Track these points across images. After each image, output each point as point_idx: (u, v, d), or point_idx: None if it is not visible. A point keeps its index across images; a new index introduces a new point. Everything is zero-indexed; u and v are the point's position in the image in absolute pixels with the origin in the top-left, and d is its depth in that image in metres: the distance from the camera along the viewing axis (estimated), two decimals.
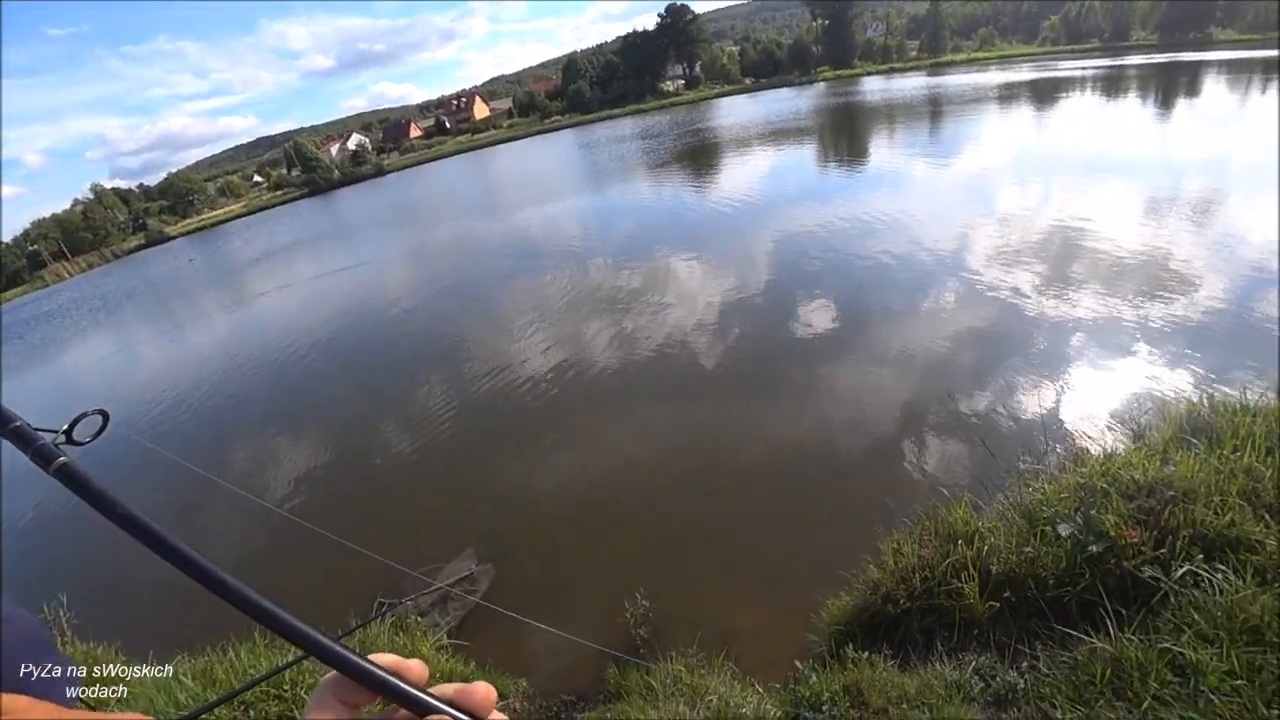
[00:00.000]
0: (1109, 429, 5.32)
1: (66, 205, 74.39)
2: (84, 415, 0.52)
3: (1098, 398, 6.16)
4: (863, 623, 3.31)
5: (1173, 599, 2.66)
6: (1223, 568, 2.70)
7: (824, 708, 2.72)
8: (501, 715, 0.44)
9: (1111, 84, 37.61)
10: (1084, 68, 50.13)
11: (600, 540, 5.39)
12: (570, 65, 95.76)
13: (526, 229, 20.78)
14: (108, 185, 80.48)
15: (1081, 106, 30.01)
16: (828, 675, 2.93)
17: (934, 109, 35.17)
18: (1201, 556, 2.78)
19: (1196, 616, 2.53)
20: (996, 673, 2.70)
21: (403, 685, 0.41)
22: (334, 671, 0.42)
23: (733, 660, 3.40)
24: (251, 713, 2.66)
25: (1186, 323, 7.40)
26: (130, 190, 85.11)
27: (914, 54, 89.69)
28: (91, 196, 74.71)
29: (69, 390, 15.33)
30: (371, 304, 15.52)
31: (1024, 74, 50.96)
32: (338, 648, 0.42)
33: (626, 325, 10.38)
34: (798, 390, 7.43)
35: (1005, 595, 3.03)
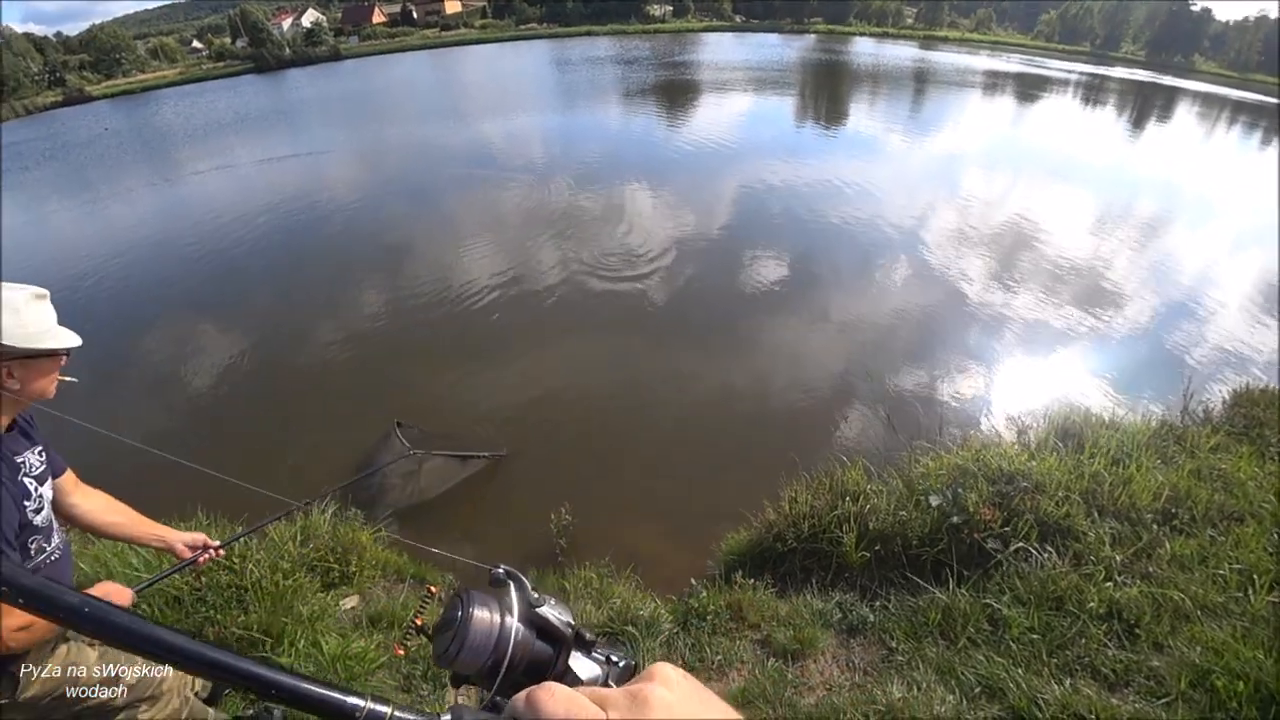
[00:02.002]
0: (1001, 422, 5.94)
1: None
2: None
3: (1003, 392, 6.74)
4: (754, 555, 3.82)
5: (1005, 567, 3.22)
6: (1050, 549, 3.28)
7: (708, 618, 3.24)
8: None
9: (1092, 92, 38.48)
10: (1069, 71, 50.88)
11: (534, 458, 5.76)
12: None
13: (490, 141, 20.08)
14: (19, 29, 72.81)
15: (1060, 109, 30.70)
16: (716, 593, 3.43)
17: (919, 84, 35.25)
18: (1037, 538, 3.36)
19: (1018, 583, 3.11)
20: (854, 608, 3.25)
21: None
22: None
23: (639, 575, 3.85)
24: (204, 579, 2.92)
25: (1106, 337, 8.03)
26: (46, 38, 76.56)
27: (910, 21, 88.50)
28: (1, 40, 67.02)
29: None
30: (323, 195, 14.86)
31: (1012, 65, 51.40)
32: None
33: (576, 255, 10.35)
34: (734, 341, 7.77)
35: (876, 548, 3.56)
